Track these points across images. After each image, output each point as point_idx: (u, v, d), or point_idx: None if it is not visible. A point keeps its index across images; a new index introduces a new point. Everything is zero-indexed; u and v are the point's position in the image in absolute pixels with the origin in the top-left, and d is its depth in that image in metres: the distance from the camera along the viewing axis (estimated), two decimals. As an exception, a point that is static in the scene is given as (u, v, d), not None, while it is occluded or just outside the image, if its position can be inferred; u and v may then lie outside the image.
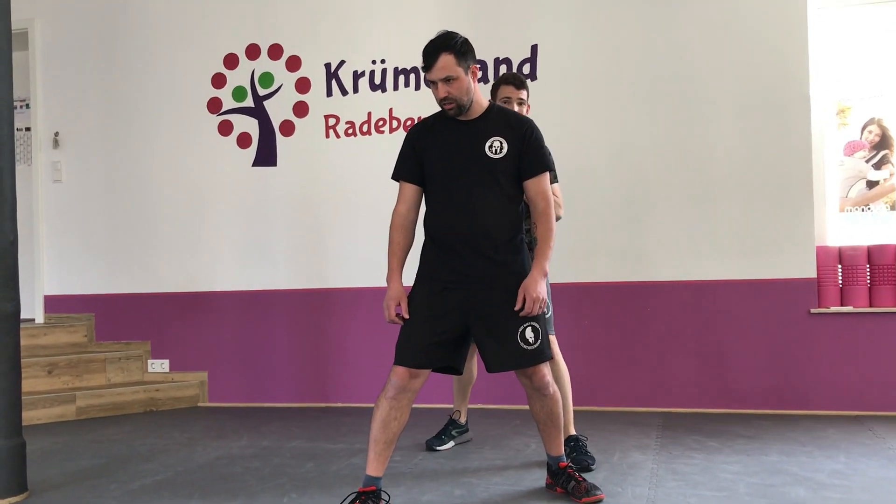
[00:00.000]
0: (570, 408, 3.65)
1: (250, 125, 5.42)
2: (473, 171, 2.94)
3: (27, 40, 5.85)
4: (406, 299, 2.96)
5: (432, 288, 2.96)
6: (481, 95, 3.01)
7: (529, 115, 3.69)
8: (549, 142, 4.64)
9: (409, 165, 3.04)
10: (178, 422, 4.93)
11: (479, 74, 3.03)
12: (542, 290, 2.90)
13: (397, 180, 3.07)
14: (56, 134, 5.78)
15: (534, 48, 4.97)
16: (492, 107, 3.04)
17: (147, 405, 5.37)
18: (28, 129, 6.04)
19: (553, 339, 3.60)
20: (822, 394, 4.55)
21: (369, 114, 5.21)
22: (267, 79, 5.39)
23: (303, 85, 5.33)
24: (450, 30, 2.94)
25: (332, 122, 5.27)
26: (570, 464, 3.21)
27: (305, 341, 5.32)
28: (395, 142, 4.99)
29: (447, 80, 2.85)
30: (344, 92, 5.26)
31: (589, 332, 4.86)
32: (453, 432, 4.07)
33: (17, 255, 3.41)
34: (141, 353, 5.62)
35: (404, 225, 3.04)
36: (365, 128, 5.22)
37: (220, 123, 5.47)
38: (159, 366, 5.58)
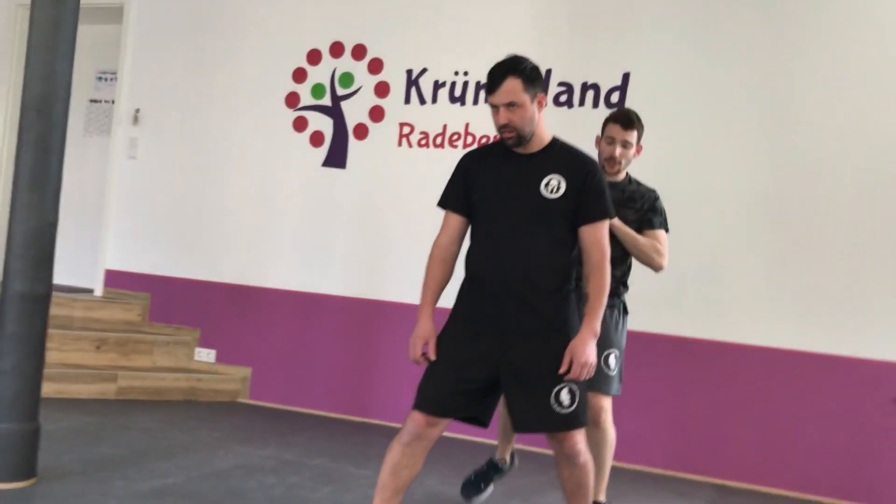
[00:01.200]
0: (606, 475, 3.35)
1: (325, 124, 5.28)
2: (524, 209, 2.68)
3: (122, 15, 5.87)
4: (435, 339, 2.72)
5: (464, 331, 2.71)
6: (545, 128, 2.73)
7: (637, 158, 3.41)
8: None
9: (457, 194, 2.79)
10: (213, 417, 4.83)
11: (546, 105, 2.74)
12: (592, 354, 2.61)
13: (443, 208, 2.83)
14: (137, 110, 5.78)
15: (626, 76, 4.66)
16: (555, 141, 2.76)
17: (188, 394, 5.30)
18: (109, 101, 6.08)
19: (609, 401, 3.29)
20: (893, 491, 4.10)
21: (445, 126, 4.99)
22: (347, 79, 5.24)
23: (382, 89, 5.16)
24: (520, 54, 2.70)
25: (406, 130, 5.08)
26: (595, 539, 2.92)
27: (351, 351, 5.15)
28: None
29: (510, 105, 2.60)
30: (422, 101, 5.06)
31: (646, 386, 4.52)
32: (494, 476, 3.74)
33: (55, 236, 3.33)
34: (189, 340, 5.56)
35: (444, 258, 2.80)
36: (439, 140, 5.01)
37: (296, 119, 5.36)
38: (206, 355, 5.51)
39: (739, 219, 4.43)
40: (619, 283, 3.35)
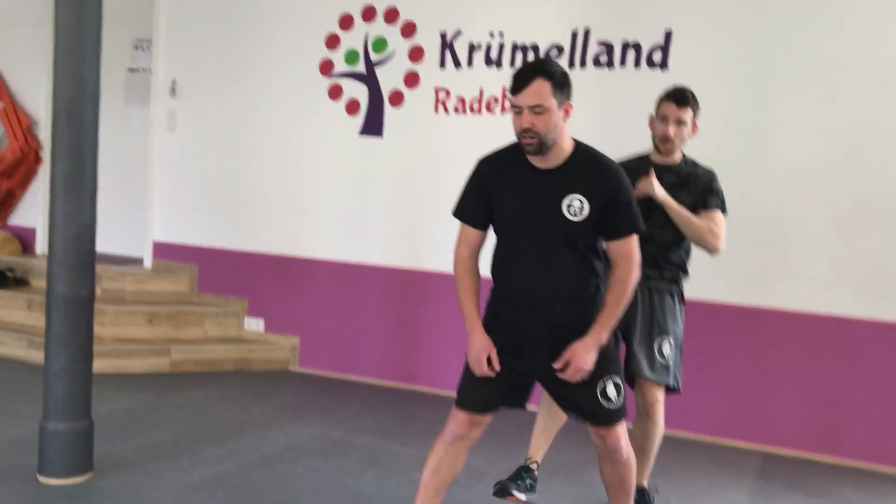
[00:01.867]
0: (651, 464, 3.34)
1: (360, 91, 5.20)
2: (548, 230, 2.57)
3: (155, -20, 5.82)
4: (494, 349, 2.63)
5: (498, 339, 2.68)
6: (567, 137, 2.58)
7: (694, 138, 3.28)
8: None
9: (475, 207, 2.68)
10: (264, 389, 4.93)
11: (572, 113, 2.55)
12: (590, 361, 2.54)
13: (459, 220, 2.74)
14: (174, 82, 5.77)
15: (668, 34, 4.46)
16: (576, 152, 2.59)
17: (239, 364, 5.41)
18: (146, 70, 6.07)
19: (662, 391, 3.22)
20: (952, 460, 4.01)
21: (481, 90, 4.87)
22: (380, 44, 5.13)
23: (416, 53, 5.04)
24: (551, 59, 2.56)
25: (442, 95, 4.98)
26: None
27: (396, 320, 5.17)
28: (506, 123, 4.70)
29: (536, 108, 2.46)
30: (458, 64, 4.94)
31: (697, 354, 4.44)
32: (528, 481, 3.46)
33: (95, 239, 3.37)
34: (238, 311, 5.65)
35: (471, 268, 2.72)
36: (476, 105, 4.90)
37: (331, 87, 5.29)
38: (255, 325, 5.60)
39: (795, 184, 4.26)
40: (678, 269, 3.28)
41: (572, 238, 2.57)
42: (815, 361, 4.24)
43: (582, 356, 2.55)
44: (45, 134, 6.23)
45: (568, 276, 2.60)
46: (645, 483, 3.35)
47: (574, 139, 2.62)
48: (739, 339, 4.38)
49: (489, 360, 2.61)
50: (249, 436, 4.07)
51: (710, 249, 3.18)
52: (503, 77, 4.81)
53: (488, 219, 2.69)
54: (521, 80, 2.49)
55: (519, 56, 4.76)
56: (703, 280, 4.34)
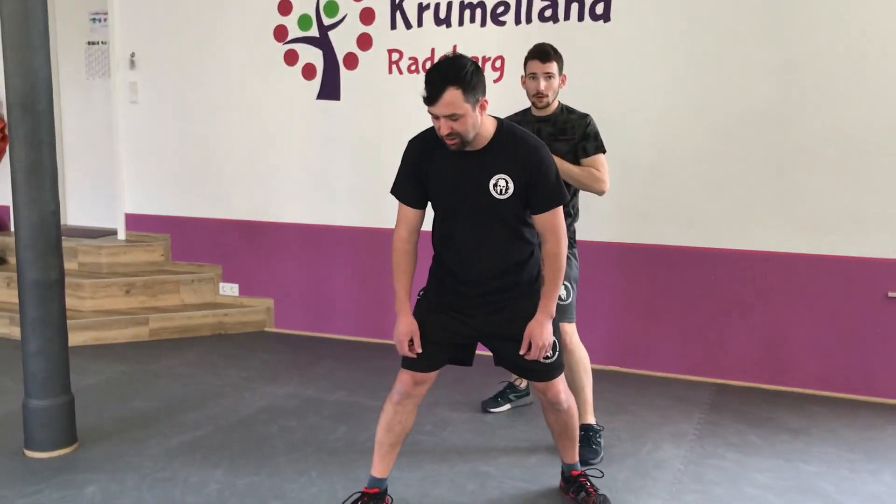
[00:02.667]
0: (589, 397, 3.58)
1: (315, 56, 5.29)
2: (478, 209, 2.71)
3: (105, -45, 5.83)
4: (418, 332, 2.81)
5: (442, 302, 2.86)
6: (488, 121, 2.68)
7: (565, 88, 3.50)
8: (620, 89, 4.34)
9: (410, 188, 2.81)
10: (241, 352, 5.12)
11: (488, 107, 2.63)
12: (548, 335, 2.75)
13: (396, 198, 2.88)
14: (132, 55, 5.82)
15: (609, -14, 4.56)
16: (499, 132, 2.70)
17: (216, 328, 5.60)
18: (105, 42, 6.11)
19: (572, 326, 3.48)
20: (890, 381, 4.26)
21: (433, 50, 4.97)
22: (331, 7, 5.19)
23: (367, 15, 5.11)
24: (460, 53, 2.62)
25: (395, 56, 5.07)
26: (584, 472, 3.15)
27: (364, 277, 5.35)
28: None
29: (451, 117, 2.52)
30: (408, 25, 5.02)
31: (649, 296, 4.67)
32: (511, 395, 4.10)
33: (60, 224, 3.50)
34: (213, 276, 5.81)
35: (407, 250, 2.85)
36: (428, 64, 5.00)
37: (287, 53, 5.36)
38: (229, 289, 5.77)
39: (737, 130, 4.41)
40: (565, 215, 3.45)
41: (502, 214, 2.72)
42: (761, 296, 4.45)
43: (539, 334, 2.74)
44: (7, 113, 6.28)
45: (502, 248, 2.77)
46: (590, 419, 3.58)
47: (497, 119, 2.74)
48: (691, 280, 4.58)
49: (412, 343, 2.80)
50: (227, 399, 4.27)
51: (597, 192, 3.43)
52: (453, 35, 4.91)
53: (424, 198, 2.82)
54: (433, 92, 2.51)
55: (467, 14, 4.86)
56: (653, 225, 4.56)
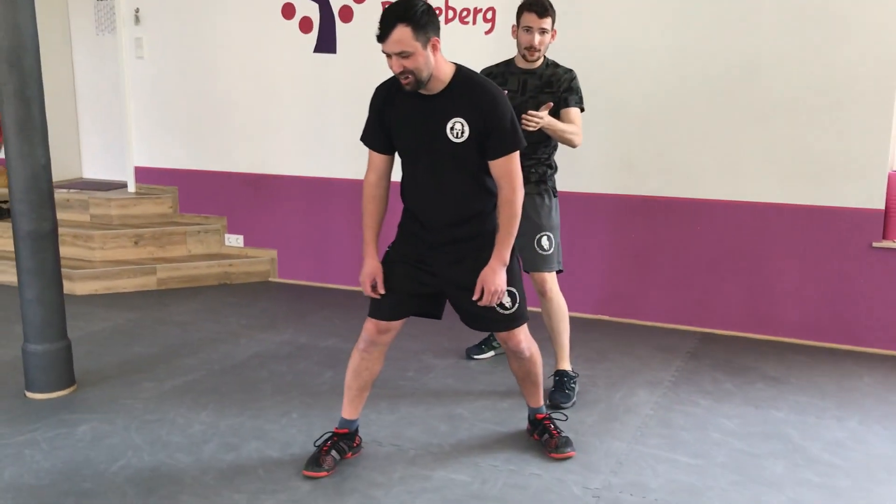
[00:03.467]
0: (565, 344, 3.67)
1: (311, 9, 5.33)
2: (437, 153, 2.78)
3: (107, -89, 5.89)
4: (381, 274, 2.92)
5: (408, 251, 2.96)
6: (445, 64, 2.72)
7: (553, 43, 3.52)
8: (601, 44, 4.35)
9: (376, 134, 2.89)
10: (243, 301, 5.28)
11: (439, 42, 2.66)
12: (501, 282, 2.81)
13: (365, 145, 2.97)
14: (137, 10, 5.92)
15: (599, -66, 4.53)
16: (457, 76, 2.73)
17: (222, 278, 5.77)
18: None
19: (552, 275, 3.58)
20: (872, 331, 4.29)
21: (446, 1, 4.99)
22: (327, -40, 5.23)
23: (361, -32, 5.14)
24: None
25: None
26: (549, 415, 3.25)
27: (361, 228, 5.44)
28: (451, 33, 4.86)
29: (401, 54, 2.58)
30: (404, -22, 5.03)
31: (635, 246, 4.72)
32: (494, 343, 4.20)
33: (51, 177, 3.64)
34: (219, 228, 5.96)
35: (375, 195, 2.95)
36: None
37: (284, 6, 5.42)
38: (235, 240, 5.92)
39: (716, 80, 4.40)
40: (546, 166, 3.58)
41: (459, 159, 2.78)
42: (747, 247, 4.48)
43: (491, 279, 2.80)
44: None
45: (461, 195, 2.84)
46: (566, 366, 3.68)
47: (456, 65, 2.78)
48: (677, 231, 4.62)
49: (375, 286, 2.91)
50: (224, 345, 4.44)
51: (573, 146, 3.48)
52: (445, -13, 4.92)
53: (390, 143, 2.90)
54: (382, 29, 2.58)
55: (459, -36, 4.87)
56: (641, 176, 4.59)
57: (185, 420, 3.47)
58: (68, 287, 5.47)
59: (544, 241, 3.53)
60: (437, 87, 2.72)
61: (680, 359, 4.21)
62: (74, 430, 3.36)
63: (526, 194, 3.40)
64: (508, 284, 2.88)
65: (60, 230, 5.76)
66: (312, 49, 5.38)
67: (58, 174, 6.67)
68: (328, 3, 5.27)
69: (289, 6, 5.40)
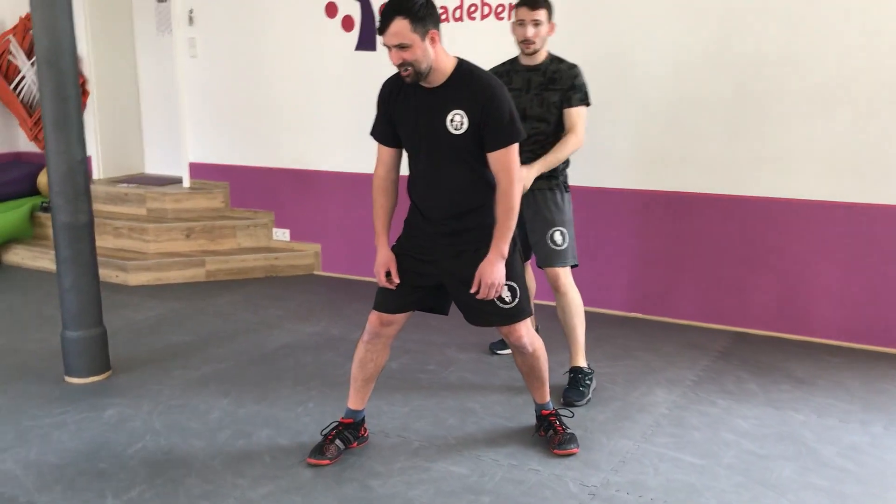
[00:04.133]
0: (580, 340, 3.63)
1: (353, 8, 5.42)
2: (437, 145, 2.83)
3: (164, -84, 6.12)
4: (395, 263, 2.98)
5: (411, 245, 3.01)
6: (446, 57, 2.76)
7: (553, 35, 3.48)
8: (636, 35, 4.30)
9: (383, 128, 2.96)
10: (286, 294, 5.42)
11: (438, 35, 2.72)
12: (499, 275, 2.82)
13: (374, 139, 3.04)
14: (191, 11, 6.12)
15: (633, -73, 4.47)
16: (458, 70, 2.78)
17: (268, 271, 5.93)
18: (162, 0, 6.44)
19: (566, 270, 3.55)
20: (915, 334, 4.12)
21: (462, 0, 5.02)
22: (368, -41, 5.31)
23: (400, -34, 5.19)
24: None
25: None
26: (555, 411, 3.24)
27: (401, 223, 5.50)
28: (487, 29, 4.89)
29: (400, 46, 2.64)
30: (439, -25, 5.08)
31: (668, 242, 4.64)
32: None
33: (87, 171, 3.81)
34: (267, 222, 6.12)
35: (384, 188, 3.03)
36: (458, 14, 5.05)
37: (327, 5, 5.52)
38: (282, 234, 6.07)
39: (750, 74, 4.28)
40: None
41: (458, 150, 2.81)
42: (783, 244, 4.35)
43: (489, 272, 2.82)
44: (88, 69, 6.75)
45: (460, 186, 2.87)
46: (581, 362, 3.65)
47: (458, 58, 2.82)
48: (712, 228, 4.52)
49: (389, 275, 2.96)
50: (257, 335, 4.57)
51: (577, 150, 3.48)
52: (472, -17, 4.94)
53: (396, 137, 2.95)
54: (382, 22, 2.66)
55: (494, -39, 4.88)
56: (676, 172, 4.53)
57: (206, 406, 3.59)
58: (122, 277, 5.73)
59: (557, 237, 3.52)
60: (438, 79, 2.76)
61: (708, 358, 4.13)
62: (102, 414, 3.52)
63: (537, 189, 3.45)
64: (508, 279, 2.89)
65: (118, 223, 6.07)
66: (354, 47, 5.47)
67: (120, 169, 7.03)
68: (369, 1, 5.35)
69: (331, 5, 5.51)
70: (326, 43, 5.57)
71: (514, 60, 3.58)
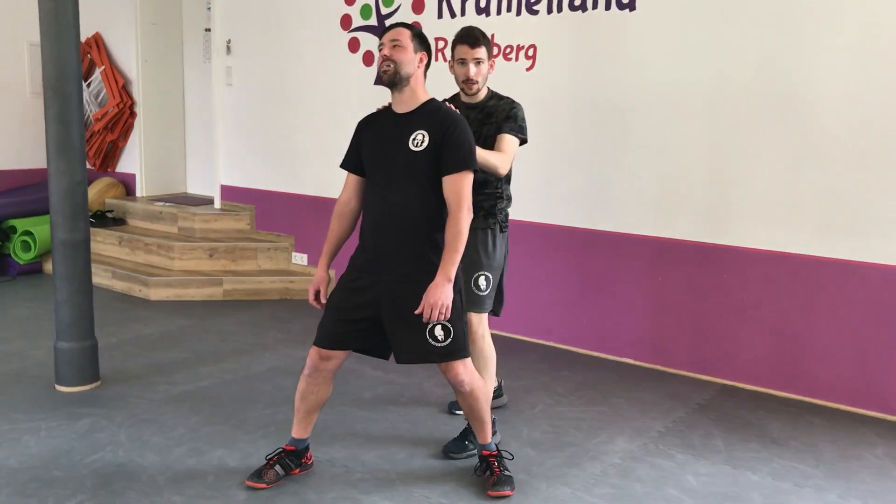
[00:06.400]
0: (489, 390, 3.40)
1: (373, 43, 5.58)
2: (396, 163, 2.96)
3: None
4: (326, 286, 3.12)
5: (350, 276, 3.09)
6: (424, 90, 3.00)
7: (491, 73, 3.45)
8: (636, 81, 4.34)
9: (350, 156, 3.15)
10: (291, 316, 5.56)
11: (426, 63, 3.00)
12: (444, 297, 2.85)
13: (342, 168, 3.17)
14: (228, 41, 6.40)
15: (637, -27, 4.48)
16: (430, 102, 2.99)
17: (283, 293, 6.09)
18: (208, 30, 6.73)
19: (482, 317, 3.44)
20: (905, 401, 3.95)
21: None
22: (389, -3, 5.47)
23: (418, 5, 5.33)
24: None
25: (440, 45, 5.25)
26: (497, 452, 3.23)
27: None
28: (496, 69, 4.94)
29: (394, 41, 2.92)
30: (452, 14, 5.19)
31: (661, 290, 4.59)
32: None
33: (86, 192, 4.04)
34: (287, 246, 6.30)
35: (341, 213, 3.16)
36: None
37: (350, 40, 5.70)
38: (300, 259, 6.24)
39: (750, 121, 4.23)
40: (496, 198, 3.46)
41: (414, 169, 2.91)
42: (777, 299, 4.24)
43: (432, 293, 2.86)
44: (137, 92, 7.12)
45: (410, 208, 2.94)
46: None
47: (433, 97, 3.02)
48: (701, 277, 4.45)
49: (319, 295, 3.11)
50: (248, 356, 4.71)
51: (497, 174, 3.32)
52: (492, 24, 5.01)
53: (362, 165, 3.10)
54: (387, 29, 3.02)
55: (504, 3, 4.95)
56: (667, 218, 4.50)
57: (173, 423, 3.73)
58: (144, 292, 5.98)
59: (481, 281, 3.42)
60: (410, 103, 2.97)
61: (685, 409, 4.05)
62: (75, 423, 3.69)
63: (473, 229, 3.33)
64: (429, 320, 2.90)
65: (148, 239, 6.33)
66: (373, 81, 5.61)
67: (163, 188, 7.35)
68: (387, 37, 5.49)
69: (354, 40, 5.68)
70: (348, 76, 5.74)
71: (455, 96, 3.54)
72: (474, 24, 3.44)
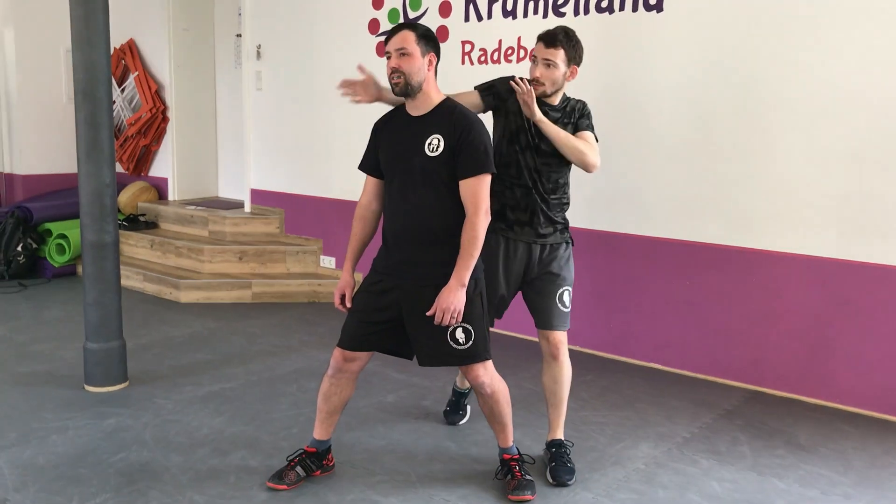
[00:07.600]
0: (563, 411, 3.39)
1: (400, 47, 5.59)
2: (413, 168, 2.94)
3: (241, -44, 6.51)
4: (351, 289, 3.12)
5: (372, 279, 3.09)
6: (437, 90, 2.96)
7: (571, 83, 3.28)
8: (673, 80, 4.37)
9: (369, 158, 3.13)
10: (318, 318, 5.59)
11: (435, 63, 2.93)
12: (456, 302, 2.84)
13: (361, 170, 3.17)
14: (258, 46, 6.46)
15: (664, -26, 4.45)
16: (444, 103, 2.96)
17: (311, 297, 6.12)
18: (239, 35, 6.80)
19: (563, 335, 3.33)
20: (939, 408, 3.85)
21: (500, 41, 5.10)
22: (416, 1, 5.47)
23: (445, 9, 5.34)
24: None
25: (467, 48, 5.26)
26: (518, 456, 3.21)
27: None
28: (522, 71, 4.93)
29: (400, 51, 2.86)
30: (479, 17, 5.18)
31: (689, 294, 4.53)
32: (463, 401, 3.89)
33: (115, 194, 4.09)
34: (315, 249, 6.34)
35: (364, 216, 3.16)
36: (496, 56, 5.13)
37: (378, 45, 5.72)
38: (328, 262, 6.27)
39: (778, 123, 4.17)
40: (566, 206, 3.36)
41: (431, 174, 2.90)
42: (809, 304, 4.17)
43: (445, 297, 2.86)
44: (170, 97, 7.21)
45: (428, 213, 2.93)
46: (559, 435, 3.39)
47: (447, 95, 3.00)
48: (729, 281, 4.39)
49: (344, 299, 3.08)
50: (273, 358, 4.74)
51: (588, 167, 3.21)
52: (518, 27, 5.01)
53: (379, 167, 3.09)
54: (391, 33, 2.93)
55: (531, 6, 4.94)
56: (695, 221, 4.45)
57: (197, 423, 3.76)
58: (174, 295, 6.05)
59: (565, 297, 3.32)
60: (424, 106, 2.94)
61: (712, 415, 3.99)
62: (102, 422, 3.74)
63: (552, 244, 3.34)
64: (465, 321, 2.92)
65: (179, 243, 6.41)
66: (399, 84, 5.62)
67: (195, 192, 7.44)
68: (414, 41, 5.50)
69: (382, 45, 5.68)
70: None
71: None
72: (556, 26, 3.25)
